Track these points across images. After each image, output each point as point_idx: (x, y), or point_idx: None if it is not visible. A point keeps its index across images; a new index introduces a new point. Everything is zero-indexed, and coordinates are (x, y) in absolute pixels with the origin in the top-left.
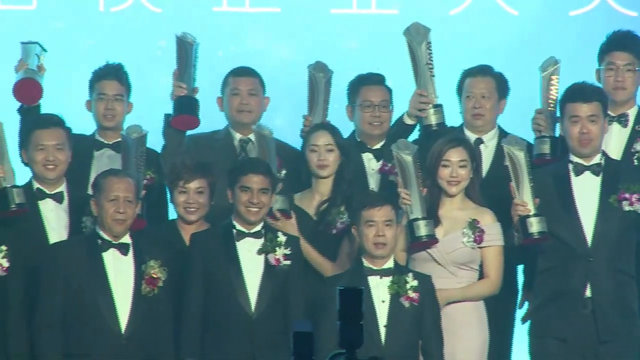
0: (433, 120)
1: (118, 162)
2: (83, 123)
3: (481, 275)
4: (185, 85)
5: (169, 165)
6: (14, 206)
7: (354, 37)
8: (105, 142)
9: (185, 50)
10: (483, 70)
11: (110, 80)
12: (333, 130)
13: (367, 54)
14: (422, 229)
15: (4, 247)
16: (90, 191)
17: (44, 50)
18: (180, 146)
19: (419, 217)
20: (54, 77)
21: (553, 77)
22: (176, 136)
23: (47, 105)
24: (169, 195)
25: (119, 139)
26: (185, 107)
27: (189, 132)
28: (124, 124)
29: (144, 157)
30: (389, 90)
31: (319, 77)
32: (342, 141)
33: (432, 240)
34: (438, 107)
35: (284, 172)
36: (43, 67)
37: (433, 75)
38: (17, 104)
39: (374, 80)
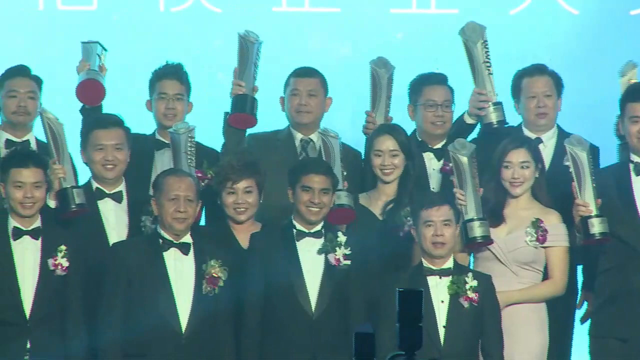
0: (493, 118)
1: None
2: (143, 123)
3: (545, 277)
4: (244, 83)
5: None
6: (74, 206)
7: (414, 36)
8: (166, 141)
9: (247, 48)
10: (540, 70)
11: (170, 79)
12: (397, 133)
13: (427, 54)
14: (477, 230)
15: (63, 247)
16: (151, 191)
17: (105, 49)
18: (240, 144)
19: (474, 217)
20: (115, 77)
21: (632, 81)
22: (235, 135)
23: (109, 106)
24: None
25: None
26: (243, 105)
27: (250, 131)
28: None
29: (193, 151)
30: (451, 90)
31: (380, 73)
32: (406, 143)
33: (486, 241)
34: (498, 105)
35: (344, 173)
36: (104, 67)
37: (491, 74)
38: (78, 104)
39: (437, 79)
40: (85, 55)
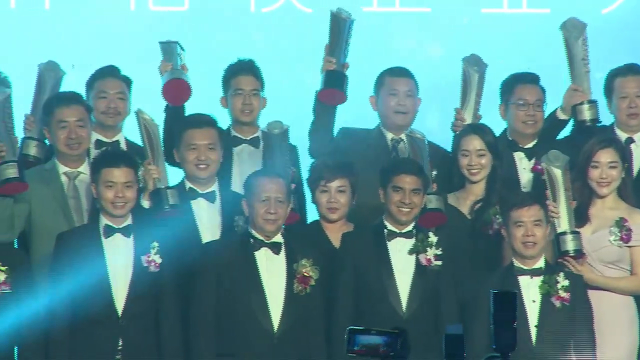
0: (587, 115)
1: (258, 158)
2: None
3: None
4: (335, 60)
5: (314, 145)
6: (167, 207)
7: (505, 36)
8: (243, 137)
9: (339, 25)
10: (632, 70)
11: (246, 75)
12: (484, 133)
13: (518, 53)
14: (570, 244)
15: (156, 244)
16: (233, 188)
17: (183, 49)
18: (330, 123)
19: (567, 231)
20: (205, 77)
21: None
22: (325, 112)
23: (193, 106)
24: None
25: (256, 134)
26: (333, 81)
27: (344, 125)
28: (259, 119)
29: (287, 151)
30: (543, 90)
31: (472, 71)
32: (493, 143)
33: (578, 255)
34: (593, 103)
35: (434, 173)
36: (185, 66)
37: (588, 71)
38: (158, 105)
39: (529, 79)
40: (165, 55)
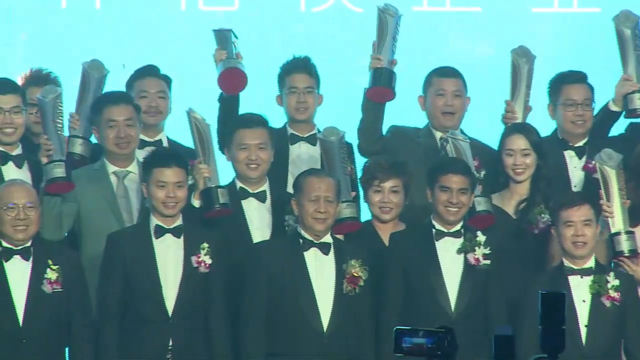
0: (638, 104)
1: (315, 155)
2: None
3: None
4: (383, 57)
5: (363, 144)
6: (218, 206)
7: (555, 35)
8: (299, 134)
9: (386, 22)
10: None
11: (300, 73)
12: (528, 132)
13: (567, 53)
14: (624, 244)
15: (206, 244)
16: (289, 184)
17: (236, 37)
18: (378, 121)
19: (621, 231)
20: (255, 76)
21: None
22: (374, 109)
23: (246, 105)
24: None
25: (312, 132)
26: (381, 79)
27: (395, 123)
28: (315, 117)
29: (346, 158)
30: (591, 88)
31: (521, 62)
32: (538, 142)
33: (633, 255)
34: None
35: (483, 172)
36: (240, 54)
37: None
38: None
39: (577, 78)
40: (220, 44)
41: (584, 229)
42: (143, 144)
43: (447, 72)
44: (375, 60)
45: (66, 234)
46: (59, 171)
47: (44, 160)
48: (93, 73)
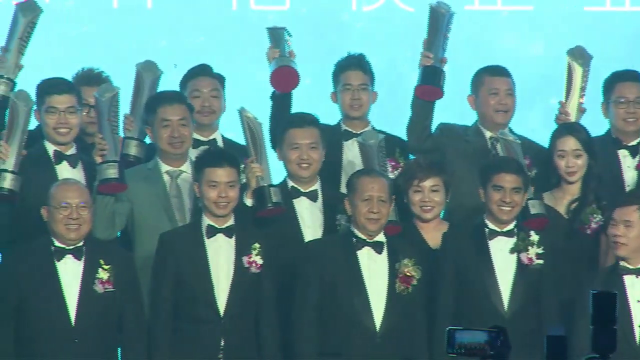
0: None
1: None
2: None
3: None
4: (433, 55)
5: (412, 142)
6: (270, 205)
7: (607, 34)
8: (353, 131)
9: (437, 19)
10: None
11: (354, 70)
12: (578, 133)
13: (619, 52)
14: None
15: (257, 245)
16: (343, 180)
17: (290, 35)
18: (428, 119)
19: None
20: (307, 75)
21: None
22: (423, 107)
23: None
24: None
25: (367, 129)
26: (430, 77)
27: (444, 120)
28: (369, 114)
29: (385, 161)
30: None
31: (576, 63)
32: (588, 142)
33: None
34: None
35: (534, 171)
36: (293, 52)
37: None
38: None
39: (629, 76)
40: (273, 42)
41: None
42: (197, 144)
43: (499, 71)
44: (425, 57)
45: (119, 234)
46: (112, 172)
47: (98, 159)
48: (147, 74)
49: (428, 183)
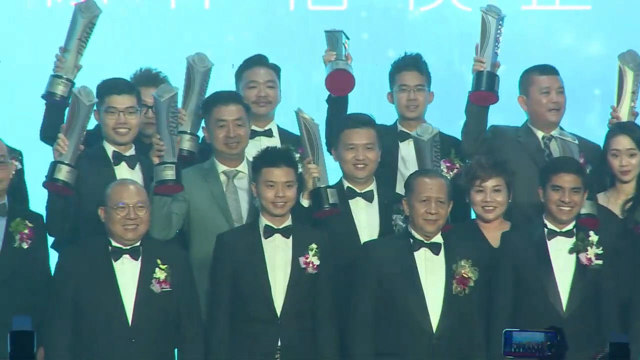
0: None
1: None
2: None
3: None
4: (485, 60)
5: (467, 147)
6: (327, 206)
7: None
8: (410, 132)
9: (489, 23)
10: None
11: (410, 71)
12: (632, 131)
13: None
14: None
15: (314, 245)
16: (399, 181)
17: (347, 38)
18: (482, 124)
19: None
20: (365, 75)
21: None
22: (477, 114)
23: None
24: None
25: None
26: (483, 83)
27: (495, 123)
28: (425, 114)
29: (438, 156)
30: None
31: (627, 68)
32: None
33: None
34: None
35: (588, 169)
36: (350, 55)
37: None
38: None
39: None
40: (330, 45)
41: None
42: (254, 134)
43: (548, 70)
44: (478, 63)
45: (176, 232)
46: (169, 173)
47: (155, 160)
48: (198, 67)
49: (490, 183)
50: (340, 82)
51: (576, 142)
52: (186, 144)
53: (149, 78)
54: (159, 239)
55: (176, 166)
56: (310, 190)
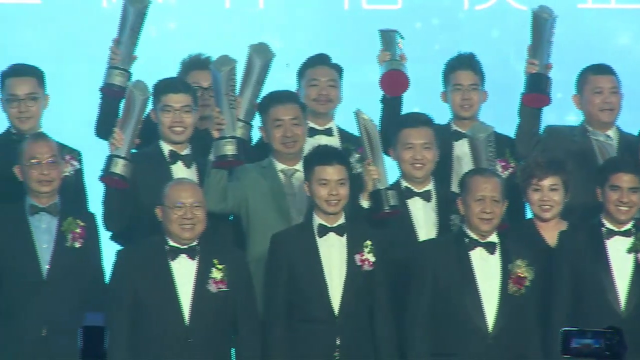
0: None
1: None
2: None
3: None
4: (538, 61)
5: (521, 149)
6: (387, 208)
7: None
8: (463, 131)
9: (541, 24)
10: None
11: (464, 70)
12: None
13: None
14: None
15: (369, 242)
16: (453, 181)
17: (402, 37)
18: (535, 126)
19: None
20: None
21: None
22: (531, 115)
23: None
24: None
25: None
26: (536, 84)
27: (550, 123)
28: (479, 114)
29: (493, 155)
30: None
31: None
32: None
33: None
34: None
35: None
36: (404, 55)
37: None
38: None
39: None
40: (385, 44)
41: None
42: (313, 132)
43: (603, 70)
44: (530, 65)
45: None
46: (230, 148)
47: (215, 134)
48: (258, 57)
49: (547, 182)
50: (394, 82)
51: (611, 142)
52: (239, 131)
53: (200, 62)
54: (215, 212)
55: (237, 141)
56: (370, 192)
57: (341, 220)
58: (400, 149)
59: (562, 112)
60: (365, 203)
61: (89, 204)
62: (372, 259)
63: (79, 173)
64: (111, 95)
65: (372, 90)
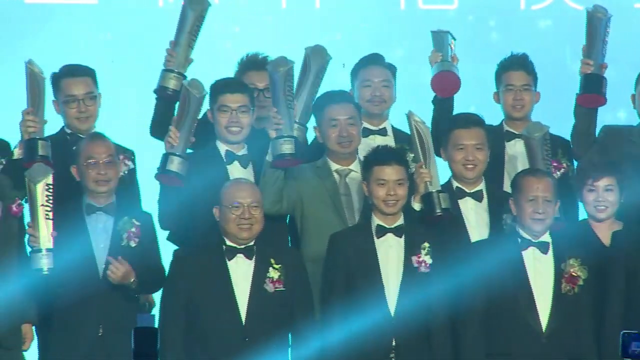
0: None
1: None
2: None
3: None
4: (593, 61)
5: (577, 149)
6: (439, 211)
7: None
8: (515, 132)
9: (595, 24)
10: None
11: (517, 70)
12: None
13: None
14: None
15: (427, 244)
16: (505, 182)
17: (454, 38)
18: (591, 127)
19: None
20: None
21: None
22: (586, 115)
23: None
24: None
25: None
26: (591, 85)
27: (607, 123)
28: (532, 114)
29: (549, 155)
30: None
31: None
32: None
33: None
34: None
35: None
36: (456, 56)
37: None
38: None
39: None
40: (437, 45)
41: None
42: (367, 132)
43: None
44: (585, 65)
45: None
46: (288, 147)
47: (272, 134)
48: (315, 59)
49: (602, 183)
50: (446, 83)
51: None
52: (295, 132)
53: (258, 62)
54: (271, 213)
55: (295, 140)
56: (422, 194)
57: (400, 221)
58: (452, 149)
59: (615, 111)
60: (417, 205)
61: (141, 204)
62: (429, 260)
63: (132, 173)
64: (165, 98)
65: (425, 90)
